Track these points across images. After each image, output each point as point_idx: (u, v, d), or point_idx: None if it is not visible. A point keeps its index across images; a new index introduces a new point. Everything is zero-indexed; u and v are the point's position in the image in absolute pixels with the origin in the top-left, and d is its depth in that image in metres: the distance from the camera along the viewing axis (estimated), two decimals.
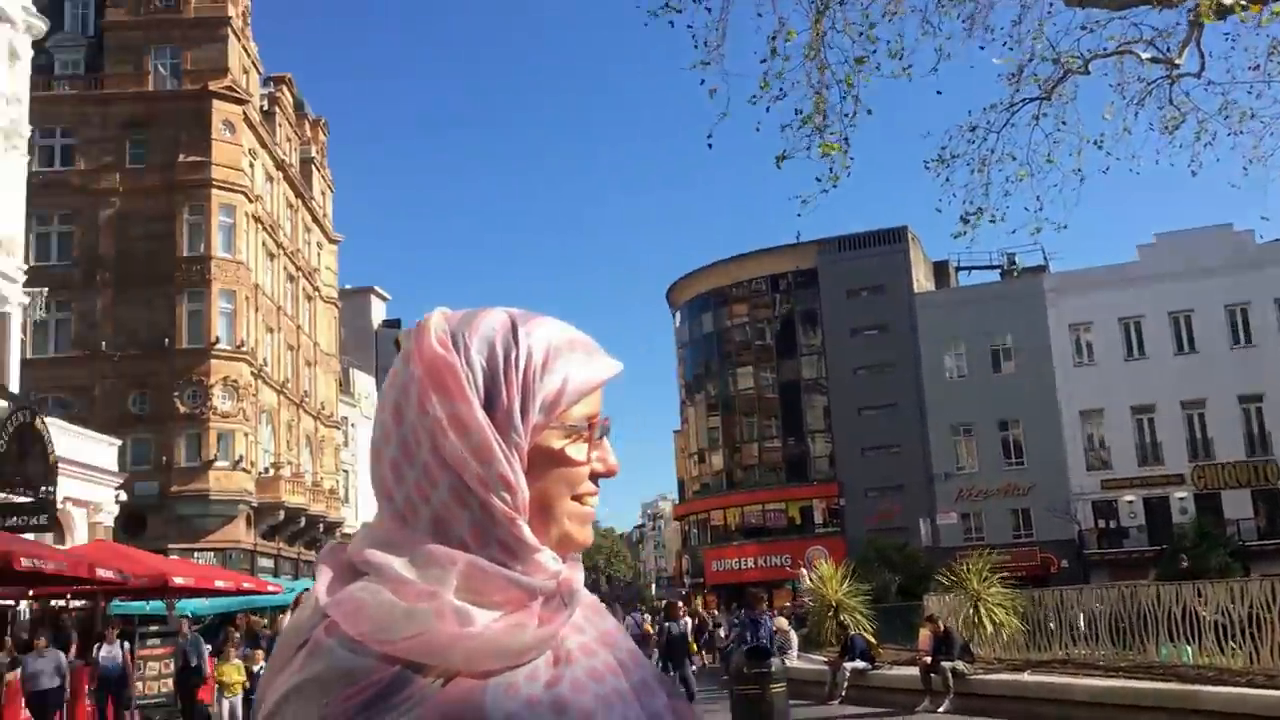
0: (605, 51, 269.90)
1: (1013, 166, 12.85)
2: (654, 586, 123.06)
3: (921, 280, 58.63)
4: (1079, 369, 51.88)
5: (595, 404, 1.11)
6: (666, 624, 16.86)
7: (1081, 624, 17.11)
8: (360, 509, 55.98)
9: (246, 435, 40.66)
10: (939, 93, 14.57)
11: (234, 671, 17.33)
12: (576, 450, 1.09)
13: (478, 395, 1.04)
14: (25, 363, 29.66)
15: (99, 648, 17.34)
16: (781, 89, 11.53)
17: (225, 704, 17.26)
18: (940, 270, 61.83)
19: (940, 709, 15.99)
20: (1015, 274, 55.98)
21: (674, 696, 1.13)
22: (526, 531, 1.04)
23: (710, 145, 12.36)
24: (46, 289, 30.19)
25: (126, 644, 17.62)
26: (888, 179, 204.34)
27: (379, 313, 72.72)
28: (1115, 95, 12.94)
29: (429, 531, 1.03)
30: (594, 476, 1.12)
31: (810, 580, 25.42)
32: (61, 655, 15.74)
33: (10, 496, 21.36)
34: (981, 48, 12.59)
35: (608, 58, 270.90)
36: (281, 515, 42.65)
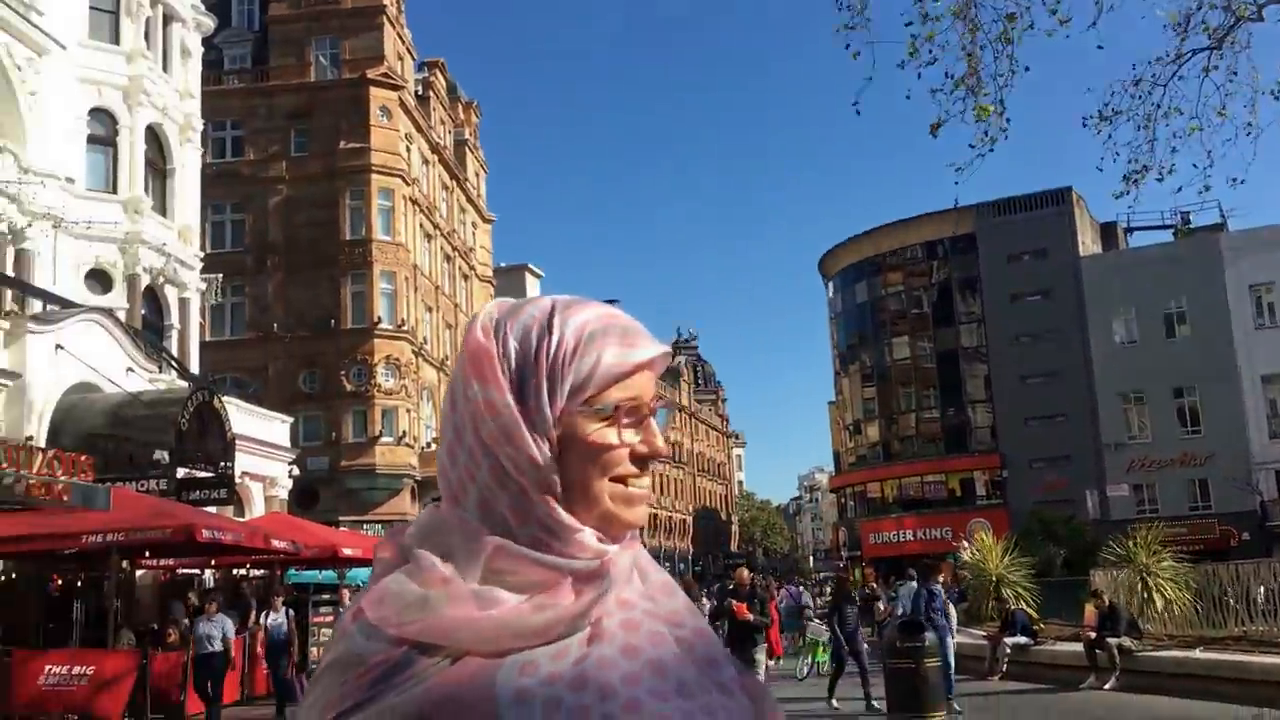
0: (753, 24, 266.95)
1: (1180, 121, 12.14)
2: (811, 559, 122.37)
3: (1088, 243, 56.31)
4: (1260, 331, 49.07)
5: (636, 387, 1.12)
6: (838, 595, 16.94)
7: (1261, 599, 16.26)
8: None
9: (409, 411, 42.06)
10: (1100, 47, 13.88)
11: None
12: (609, 433, 1.10)
13: (510, 380, 1.08)
14: (204, 345, 31.35)
15: (266, 614, 18.01)
16: (932, 52, 11.17)
17: None
18: (1108, 232, 59.27)
19: (1106, 686, 15.44)
20: (1187, 233, 53.21)
21: (745, 674, 1.13)
22: (561, 512, 1.08)
23: (858, 111, 12.02)
24: (222, 275, 31.74)
25: (292, 611, 18.17)
26: (1050, 139, 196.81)
27: (533, 290, 73.98)
28: None
29: (476, 512, 1.09)
30: (637, 459, 1.12)
31: (970, 553, 24.85)
32: (228, 621, 16.37)
33: (193, 472, 22.63)
34: None
35: (755, 30, 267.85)
36: None
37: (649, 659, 1.05)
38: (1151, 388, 50.92)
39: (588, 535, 1.08)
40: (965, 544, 26.97)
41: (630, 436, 1.11)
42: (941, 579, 16.77)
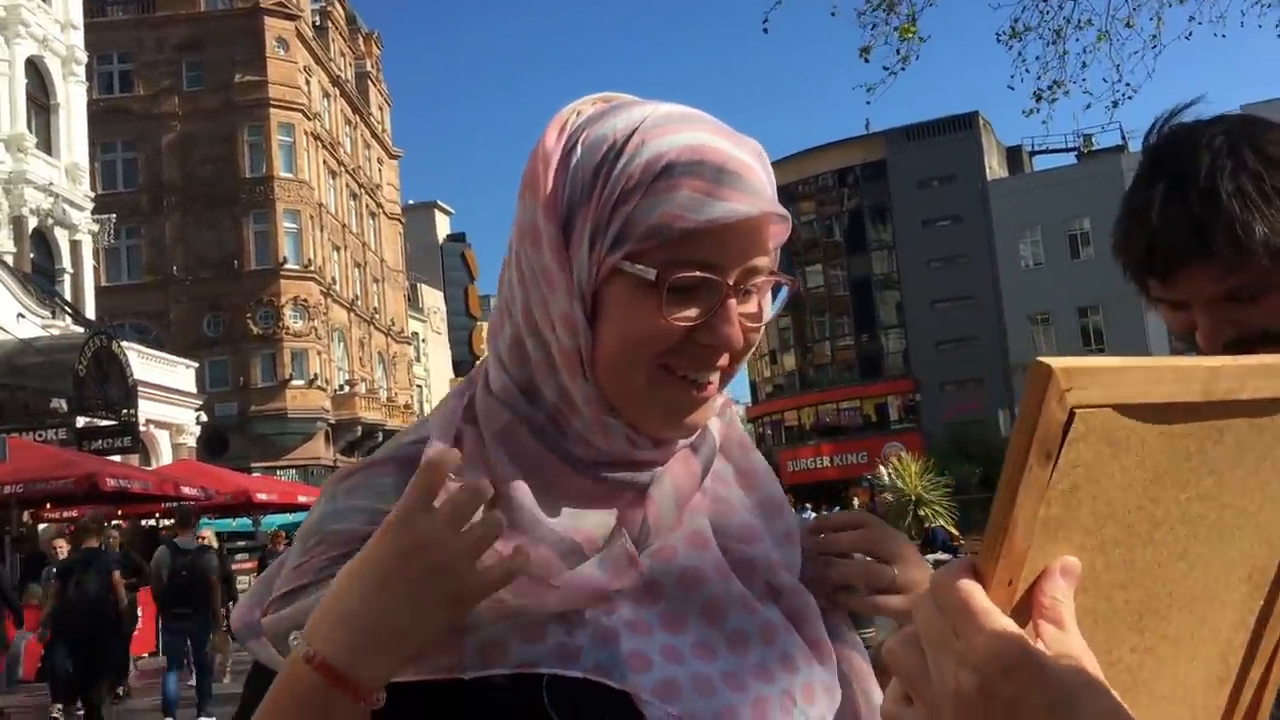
0: None
1: (1090, 34, 12.03)
2: None
3: (994, 167, 57.00)
4: None
5: (711, 252, 0.82)
6: None
7: None
8: None
9: (320, 353, 41.11)
10: None
11: None
12: (650, 303, 0.81)
13: (559, 205, 0.82)
14: (101, 290, 30.13)
15: None
16: None
17: None
18: (1013, 156, 60.07)
19: None
20: (1089, 155, 54.15)
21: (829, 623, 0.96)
22: (582, 389, 0.84)
23: (765, 30, 11.66)
24: (115, 216, 30.40)
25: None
26: (958, 61, 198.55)
27: (443, 227, 72.67)
28: None
29: (508, 351, 0.88)
30: (698, 347, 0.83)
31: (888, 476, 25.11)
32: None
33: (94, 420, 21.76)
34: None
35: None
36: (359, 431, 43.25)
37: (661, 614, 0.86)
38: (1057, 309, 51.98)
39: (615, 428, 0.85)
40: (881, 467, 27.29)
41: (689, 314, 0.82)
42: (857, 502, 16.55)
